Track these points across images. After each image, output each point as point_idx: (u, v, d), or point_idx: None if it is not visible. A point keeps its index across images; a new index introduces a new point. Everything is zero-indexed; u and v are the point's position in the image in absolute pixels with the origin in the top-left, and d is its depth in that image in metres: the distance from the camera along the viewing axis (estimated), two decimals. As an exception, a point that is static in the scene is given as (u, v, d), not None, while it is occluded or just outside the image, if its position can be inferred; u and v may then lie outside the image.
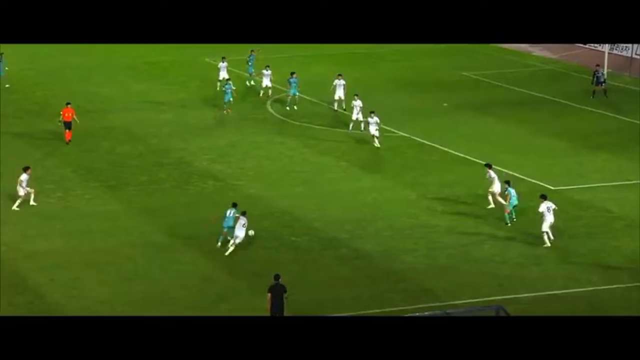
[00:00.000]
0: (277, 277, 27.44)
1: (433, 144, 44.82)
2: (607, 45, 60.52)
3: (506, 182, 36.05)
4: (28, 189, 36.28)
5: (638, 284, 30.41)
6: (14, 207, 36.18)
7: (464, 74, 60.02)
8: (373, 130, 43.62)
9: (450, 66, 62.28)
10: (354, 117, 46.52)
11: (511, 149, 44.27)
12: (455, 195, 38.16)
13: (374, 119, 43.62)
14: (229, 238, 32.56)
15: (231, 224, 32.78)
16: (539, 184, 38.91)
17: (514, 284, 30.48)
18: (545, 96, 54.22)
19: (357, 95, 47.14)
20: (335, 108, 49.66)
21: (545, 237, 33.41)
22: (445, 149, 43.97)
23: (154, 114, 50.13)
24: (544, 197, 33.83)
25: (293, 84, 50.91)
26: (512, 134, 47.03)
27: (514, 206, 35.18)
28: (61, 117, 44.31)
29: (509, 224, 34.91)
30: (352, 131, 46.28)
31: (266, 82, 52.77)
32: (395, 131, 46.89)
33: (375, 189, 38.96)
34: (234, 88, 50.01)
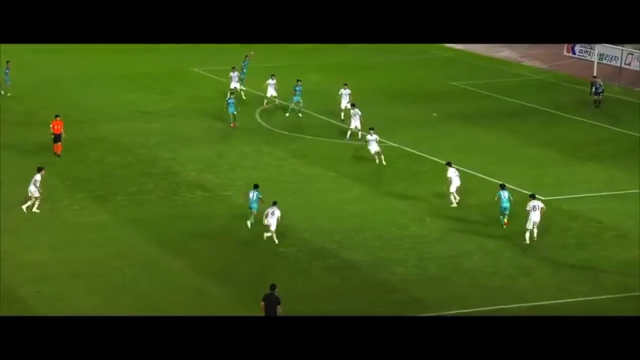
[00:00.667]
0: (272, 287, 27.49)
1: (423, 154, 44.87)
2: (596, 55, 60.73)
3: (500, 186, 36.32)
4: (40, 190, 36.59)
5: (628, 294, 30.45)
6: (34, 209, 36.69)
7: (454, 83, 60.14)
8: (375, 147, 42.79)
9: (439, 76, 62.41)
10: (352, 126, 46.46)
11: (501, 159, 44.35)
12: (445, 206, 38.16)
13: (373, 137, 42.86)
14: (254, 221, 34.87)
15: (255, 206, 35.17)
16: (528, 194, 38.90)
17: (504, 295, 30.49)
18: (535, 106, 54.35)
19: (354, 104, 47.41)
20: (342, 118, 49.59)
21: (527, 235, 33.93)
22: (435, 159, 44.00)
23: (143, 124, 50.08)
24: (532, 197, 34.76)
25: (298, 92, 51.13)
26: (502, 144, 47.12)
27: (504, 209, 35.64)
28: (50, 129, 44.15)
29: (504, 226, 35.61)
30: (350, 140, 46.40)
31: (271, 91, 52.78)
32: (385, 141, 46.89)
33: (365, 199, 38.96)
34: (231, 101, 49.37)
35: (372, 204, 38.45)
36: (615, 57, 61.35)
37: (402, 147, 46.15)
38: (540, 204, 34.50)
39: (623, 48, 61.32)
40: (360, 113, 46.57)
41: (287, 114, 51.33)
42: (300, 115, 51.11)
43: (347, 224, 36.29)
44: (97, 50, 67.48)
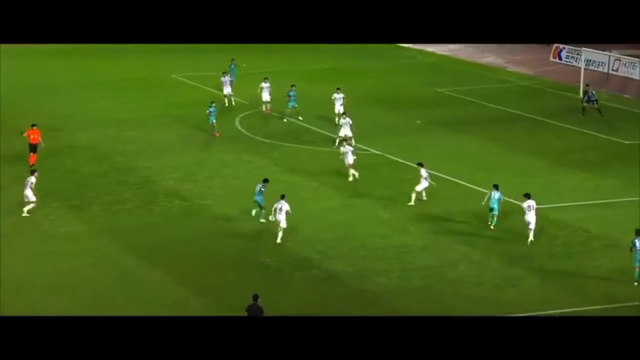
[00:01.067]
0: (255, 297, 27.52)
1: (406, 162, 44.81)
2: (583, 61, 60.91)
3: (494, 186, 36.82)
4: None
5: (617, 305, 30.46)
6: (24, 213, 36.95)
7: (438, 90, 60.20)
8: (350, 159, 41.79)
9: (423, 82, 62.47)
10: (341, 134, 46.51)
11: (486, 166, 44.34)
12: (429, 215, 38.13)
13: (347, 149, 42.12)
14: (261, 211, 36.33)
15: (258, 198, 36.43)
16: (515, 203, 38.92)
17: (490, 306, 30.44)
18: (521, 113, 54.43)
19: (345, 113, 47.55)
20: (337, 122, 49.62)
21: (529, 233, 35.08)
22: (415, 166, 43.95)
23: (120, 132, 49.88)
24: (526, 196, 35.44)
25: (292, 97, 51.41)
26: (487, 152, 47.15)
27: (491, 209, 36.31)
28: (25, 136, 43.83)
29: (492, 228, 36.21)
30: (337, 148, 46.36)
31: (266, 96, 52.80)
32: (368, 149, 46.88)
33: (347, 208, 38.87)
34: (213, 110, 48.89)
35: (355, 213, 38.36)
36: (603, 63, 61.55)
37: (385, 155, 46.11)
38: (533, 204, 35.25)
39: (610, 54, 61.53)
40: (351, 122, 46.59)
41: (284, 120, 51.40)
42: (300, 118, 51.36)
43: (330, 233, 36.22)
44: (72, 55, 67.34)
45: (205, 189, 41.19)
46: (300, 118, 51.68)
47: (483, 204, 36.80)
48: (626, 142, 48.86)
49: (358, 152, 45.76)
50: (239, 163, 44.98)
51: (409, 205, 38.52)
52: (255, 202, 36.80)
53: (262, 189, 36.89)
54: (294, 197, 40.10)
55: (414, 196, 38.76)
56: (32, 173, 38.24)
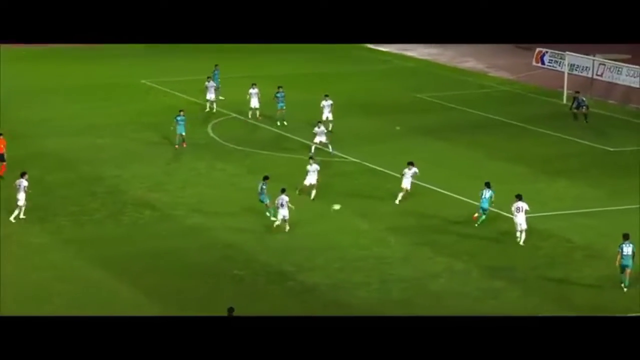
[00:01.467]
0: (230, 310, 27.54)
1: (386, 170, 44.76)
2: (566, 65, 61.08)
3: (486, 184, 37.60)
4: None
5: (601, 316, 30.44)
6: (12, 217, 37.24)
7: (418, 95, 60.23)
8: (313, 179, 40.57)
9: (402, 87, 62.51)
10: (316, 140, 46.58)
11: (466, 174, 44.32)
12: (409, 225, 38.07)
13: (314, 167, 40.96)
14: (270, 209, 37.56)
15: (262, 197, 37.80)
16: (496, 212, 38.98)
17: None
18: (502, 119, 54.52)
19: (320, 122, 47.69)
20: (330, 129, 49.84)
21: (518, 234, 36.02)
22: (399, 176, 43.88)
23: (88, 139, 49.60)
24: (518, 197, 36.18)
25: (280, 98, 51.91)
26: (468, 159, 47.15)
27: (483, 209, 37.10)
28: None
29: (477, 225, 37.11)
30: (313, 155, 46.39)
31: (254, 102, 52.90)
32: (346, 156, 46.82)
33: (325, 218, 38.71)
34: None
35: (332, 224, 38.22)
36: (587, 67, 61.73)
37: (363, 163, 46.04)
38: (525, 206, 35.94)
39: (594, 58, 61.72)
40: (325, 130, 46.75)
41: (279, 123, 51.77)
42: (285, 123, 51.59)
43: (306, 244, 36.06)
44: (39, 60, 67.01)
45: (176, 199, 40.98)
46: (285, 123, 51.76)
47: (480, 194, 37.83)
48: (611, 150, 49.00)
49: (336, 160, 45.74)
50: (211, 171, 44.80)
51: (396, 204, 39.50)
52: (262, 202, 38.01)
53: (264, 187, 38.01)
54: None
55: (401, 195, 39.70)
56: (22, 175, 38.21)
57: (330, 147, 46.64)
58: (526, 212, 36.02)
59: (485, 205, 37.38)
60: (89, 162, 45.74)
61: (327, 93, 51.81)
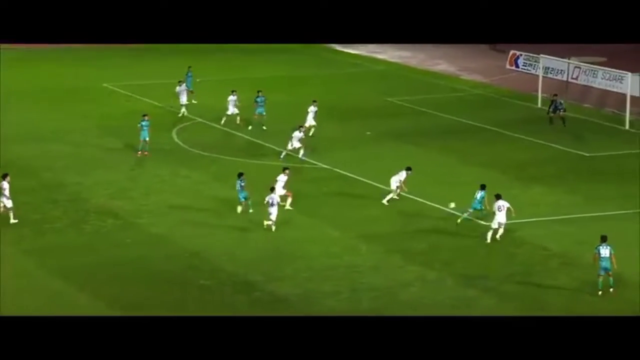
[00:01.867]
0: None
1: (356, 176, 44.92)
2: (541, 68, 61.55)
3: (481, 186, 38.72)
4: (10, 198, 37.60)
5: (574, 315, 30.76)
6: (12, 220, 37.62)
7: (388, 99, 60.48)
8: (281, 190, 40.27)
9: (372, 91, 62.73)
10: (289, 147, 46.73)
11: (439, 180, 44.56)
12: (381, 232, 38.22)
13: (284, 178, 40.81)
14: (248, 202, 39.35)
15: (243, 194, 39.53)
16: (470, 219, 39.25)
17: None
18: (475, 123, 54.83)
19: (302, 127, 47.88)
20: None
21: (489, 234, 36.96)
22: (370, 182, 44.13)
23: (48, 145, 49.46)
24: (497, 197, 37.33)
25: (260, 103, 52.23)
26: (440, 164, 47.39)
27: (476, 209, 38.49)
28: None
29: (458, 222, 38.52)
30: (284, 159, 46.47)
31: (231, 109, 52.91)
32: (316, 163, 46.94)
33: (293, 226, 38.79)
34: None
35: (302, 231, 38.33)
36: (562, 70, 62.23)
37: (333, 169, 46.18)
38: (506, 204, 37.02)
39: (569, 61, 62.26)
40: (303, 136, 46.96)
41: (264, 127, 51.98)
42: (264, 128, 51.81)
43: (275, 253, 36.14)
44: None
45: (140, 206, 40.96)
46: (264, 128, 51.91)
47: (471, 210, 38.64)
48: (586, 155, 49.42)
49: (305, 165, 45.87)
50: (176, 178, 44.79)
51: (388, 201, 40.84)
52: (241, 199, 39.57)
53: (243, 184, 39.52)
54: (236, 215, 40.08)
55: (395, 194, 40.87)
56: (3, 177, 38.52)
57: (301, 152, 46.72)
58: (508, 210, 37.08)
59: (477, 206, 38.39)
60: (50, 169, 45.63)
61: (314, 99, 52.21)
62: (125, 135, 50.37)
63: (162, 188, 43.37)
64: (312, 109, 51.40)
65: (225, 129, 52.63)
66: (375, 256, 36.12)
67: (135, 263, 35.15)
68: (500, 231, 37.12)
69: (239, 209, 39.79)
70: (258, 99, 52.58)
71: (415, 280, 34.07)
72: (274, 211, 37.69)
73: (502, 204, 37.21)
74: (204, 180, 44.41)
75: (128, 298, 32.33)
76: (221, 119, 53.16)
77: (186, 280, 33.74)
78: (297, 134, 46.95)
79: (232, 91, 53.41)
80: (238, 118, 53.06)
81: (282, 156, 46.64)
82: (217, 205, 41.13)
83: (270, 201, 37.80)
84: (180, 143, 50.47)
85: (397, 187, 41.24)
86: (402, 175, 41.37)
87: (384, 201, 40.97)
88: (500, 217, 37.02)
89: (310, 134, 50.08)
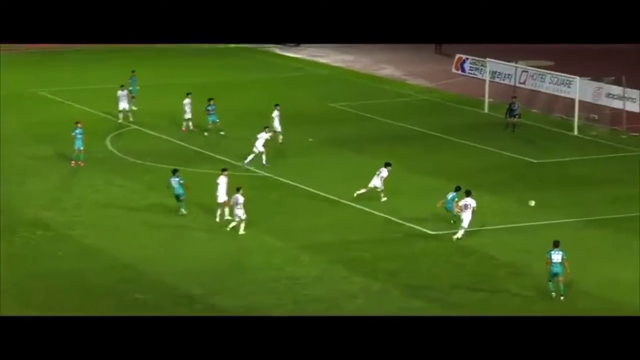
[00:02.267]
0: None
1: (299, 185, 45.00)
2: (488, 72, 62.07)
3: (455, 188, 39.49)
4: None
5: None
6: None
7: (331, 104, 60.64)
8: (241, 199, 39.53)
9: (315, 96, 62.85)
10: (255, 150, 46.85)
11: (384, 188, 44.69)
12: (324, 242, 38.35)
13: (223, 180, 40.71)
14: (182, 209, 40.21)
15: (181, 192, 40.17)
16: (416, 228, 39.51)
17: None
18: (421, 129, 55.10)
19: (267, 127, 48.09)
20: (281, 141, 50.37)
21: (461, 232, 37.96)
22: (313, 190, 44.22)
23: (-26, 153, 49.05)
24: (467, 193, 38.45)
25: (212, 111, 52.31)
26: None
27: (447, 210, 39.50)
28: None
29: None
30: (247, 165, 46.58)
31: (188, 114, 53.12)
32: (257, 171, 46.94)
33: (235, 237, 38.75)
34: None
35: (244, 242, 38.34)
36: (509, 75, 62.84)
37: (275, 177, 46.21)
38: (472, 203, 38.04)
39: (517, 65, 62.89)
40: (269, 138, 47.38)
41: (205, 133, 52.15)
42: (222, 133, 51.97)
43: (215, 265, 36.11)
44: None
45: (72, 218, 40.74)
46: (222, 133, 52.01)
47: (438, 206, 39.37)
48: (534, 161, 49.89)
49: (246, 174, 45.86)
50: (110, 187, 44.60)
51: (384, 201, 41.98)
52: (177, 197, 40.33)
53: (181, 182, 40.44)
54: (174, 226, 40.00)
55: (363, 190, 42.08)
56: None
57: (246, 160, 46.59)
58: (473, 210, 37.78)
59: (450, 205, 39.23)
60: (-23, 179, 45.24)
61: (277, 103, 52.04)
62: (58, 143, 50.03)
63: (95, 198, 43.17)
64: (275, 113, 51.39)
65: (170, 138, 52.42)
66: (318, 267, 36.22)
67: (67, 276, 34.98)
68: (460, 232, 37.67)
69: (182, 210, 40.45)
70: (209, 107, 52.44)
71: (360, 291, 34.22)
72: (239, 212, 38.17)
73: (469, 202, 37.99)
74: (139, 190, 44.27)
75: (60, 312, 32.06)
76: (181, 125, 53.37)
77: (122, 293, 33.63)
78: (264, 135, 47.02)
79: (187, 94, 53.50)
80: (190, 123, 53.11)
81: (246, 162, 46.52)
82: (153, 215, 41.00)
83: (235, 201, 38.30)
84: (115, 151, 50.23)
85: (374, 186, 41.70)
86: (384, 172, 42.12)
87: (384, 200, 41.86)
88: (466, 215, 37.78)
89: (280, 141, 50.02)
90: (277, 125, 51.09)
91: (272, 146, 50.87)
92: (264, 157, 46.83)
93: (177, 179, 40.62)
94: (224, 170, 41.23)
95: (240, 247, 37.97)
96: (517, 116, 54.61)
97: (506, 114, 55.01)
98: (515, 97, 55.93)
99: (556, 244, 33.47)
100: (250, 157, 46.68)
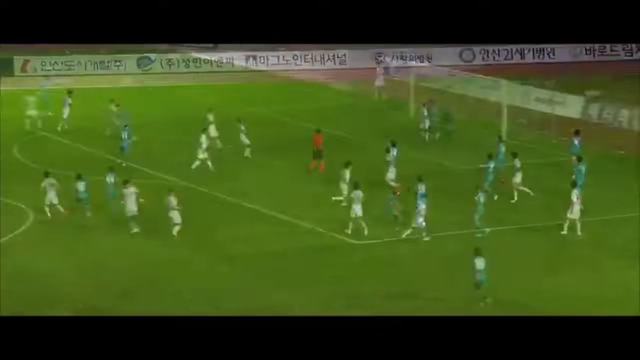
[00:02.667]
0: None
1: (215, 193, 44.53)
2: (411, 77, 62.07)
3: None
4: None
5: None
6: None
7: (250, 109, 60.29)
8: (174, 202, 39.94)
9: (232, 100, 62.56)
10: (201, 156, 47.18)
11: (304, 198, 44.38)
12: (244, 253, 38.16)
13: (132, 190, 40.38)
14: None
15: (85, 196, 40.65)
16: (344, 240, 39.30)
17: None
18: (343, 134, 54.90)
19: (205, 129, 48.65)
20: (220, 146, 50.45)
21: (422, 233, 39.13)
22: (230, 199, 43.85)
23: None
24: (419, 180, 40.70)
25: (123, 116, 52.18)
26: (305, 180, 47.17)
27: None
28: None
29: None
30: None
31: (66, 112, 53.63)
32: (170, 178, 46.43)
33: (151, 249, 38.51)
34: None
35: (160, 254, 38.09)
36: (438, 79, 63.01)
37: (191, 186, 45.64)
38: (423, 206, 39.19)
39: (444, 68, 63.10)
40: (209, 142, 48.13)
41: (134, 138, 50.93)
42: (134, 139, 51.23)
43: (125, 278, 35.81)
44: None
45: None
46: (134, 138, 51.63)
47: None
48: (461, 167, 49.88)
49: (159, 182, 45.44)
50: (15, 197, 43.72)
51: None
52: (81, 201, 40.65)
53: (88, 185, 40.60)
54: (81, 236, 39.48)
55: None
56: None
57: (195, 164, 46.79)
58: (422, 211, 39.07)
59: (420, 200, 39.61)
60: None
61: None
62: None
63: (4, 209, 42.30)
64: (210, 118, 51.33)
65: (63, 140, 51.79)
66: (237, 279, 35.94)
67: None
68: (408, 232, 39.12)
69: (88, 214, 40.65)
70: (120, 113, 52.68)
71: (283, 304, 33.79)
72: (175, 215, 38.65)
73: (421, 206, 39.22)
74: (43, 198, 43.31)
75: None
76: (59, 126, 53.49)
77: (30, 307, 32.85)
78: (203, 139, 47.41)
79: (69, 91, 54.29)
80: (65, 124, 53.64)
81: (193, 167, 46.74)
82: (63, 226, 40.28)
83: (169, 205, 38.77)
84: (21, 158, 49.61)
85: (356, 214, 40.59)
86: (346, 174, 42.59)
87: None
88: (420, 205, 39.14)
89: (247, 153, 49.77)
90: (213, 130, 50.85)
91: (182, 151, 50.36)
92: (208, 162, 47.19)
93: (83, 184, 40.79)
94: (127, 182, 40.43)
95: (157, 260, 37.58)
96: (434, 121, 54.56)
97: (423, 120, 54.79)
98: (431, 100, 55.78)
99: (477, 252, 33.94)
100: (195, 163, 46.86)
